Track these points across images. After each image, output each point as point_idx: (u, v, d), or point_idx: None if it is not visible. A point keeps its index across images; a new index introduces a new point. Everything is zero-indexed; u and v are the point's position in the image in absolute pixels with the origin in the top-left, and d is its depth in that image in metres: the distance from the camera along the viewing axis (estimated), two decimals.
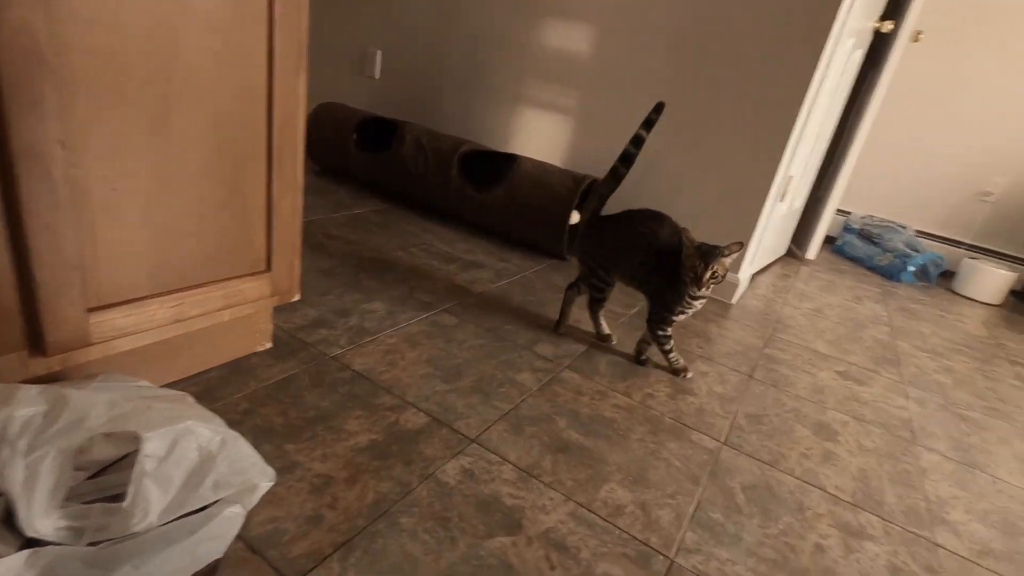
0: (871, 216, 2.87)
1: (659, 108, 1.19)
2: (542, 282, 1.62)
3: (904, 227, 2.73)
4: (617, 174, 1.24)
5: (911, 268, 2.50)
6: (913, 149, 2.84)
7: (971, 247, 2.78)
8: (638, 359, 1.26)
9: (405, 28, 2.24)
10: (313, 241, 1.56)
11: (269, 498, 0.71)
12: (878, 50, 2.25)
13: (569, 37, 1.89)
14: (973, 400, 1.44)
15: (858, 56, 2.11)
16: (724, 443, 1.02)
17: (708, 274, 1.07)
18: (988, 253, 2.75)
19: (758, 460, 0.99)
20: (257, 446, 0.77)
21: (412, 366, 1.06)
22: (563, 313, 1.33)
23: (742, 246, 1.08)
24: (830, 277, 2.37)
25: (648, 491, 0.86)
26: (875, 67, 2.27)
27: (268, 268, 0.86)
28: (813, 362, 1.46)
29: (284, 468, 0.76)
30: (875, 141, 2.89)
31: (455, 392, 1.01)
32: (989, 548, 0.89)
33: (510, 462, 0.86)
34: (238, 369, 0.94)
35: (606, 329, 1.33)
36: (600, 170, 1.94)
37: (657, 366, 1.26)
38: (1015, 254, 2.72)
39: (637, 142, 1.21)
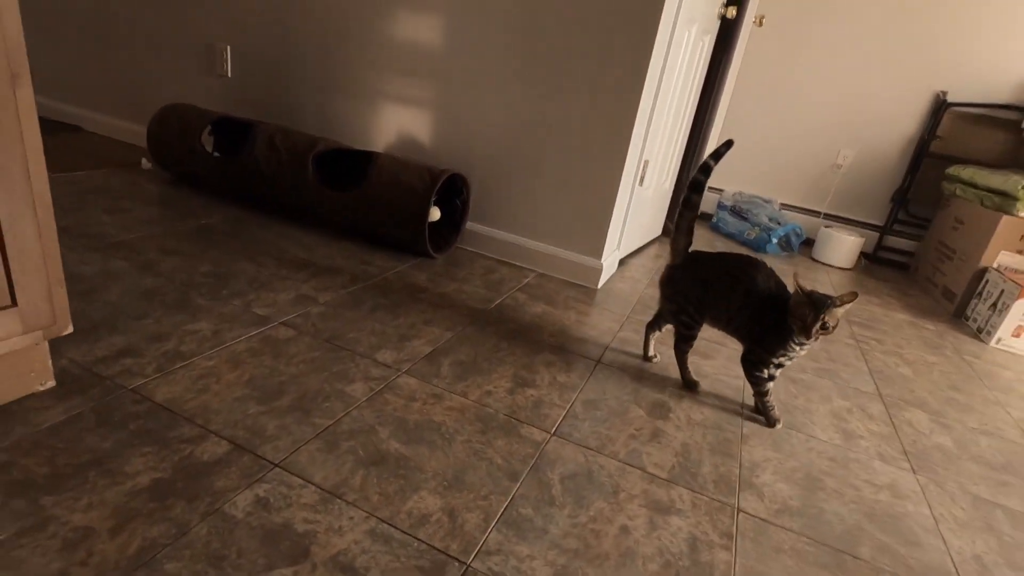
0: (740, 193, 3.05)
1: (728, 144, 1.23)
2: (401, 283, 1.58)
3: (769, 201, 2.92)
4: (691, 203, 1.25)
5: (774, 240, 2.67)
6: (771, 127, 3.03)
7: (827, 216, 3.01)
8: (688, 384, 1.29)
9: (254, 20, 2.11)
10: (142, 259, 1.44)
11: (5, 563, 0.63)
12: (727, 35, 2.36)
13: (418, 28, 1.85)
14: (807, 363, 1.55)
15: (708, 41, 2.21)
16: (553, 434, 1.04)
17: (818, 324, 1.02)
18: (841, 220, 2.99)
19: (584, 447, 1.01)
20: (6, 504, 0.69)
21: (227, 389, 1.00)
22: (646, 346, 1.39)
23: (856, 296, 1.03)
24: None
25: (461, 495, 0.85)
26: (726, 52, 2.38)
27: (13, 302, 0.76)
28: (663, 340, 1.52)
29: (34, 526, 0.68)
30: (738, 122, 3.06)
31: (269, 413, 0.95)
32: (787, 506, 0.96)
33: (314, 484, 0.82)
34: (3, 415, 0.84)
35: (692, 375, 1.30)
36: (460, 163, 1.94)
37: (750, 410, 1.26)
38: (863, 219, 2.98)
39: (705, 171, 1.22)
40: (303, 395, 1.02)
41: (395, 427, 0.98)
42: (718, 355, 1.49)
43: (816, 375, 1.48)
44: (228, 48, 2.18)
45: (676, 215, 1.31)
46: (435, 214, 1.76)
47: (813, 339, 1.04)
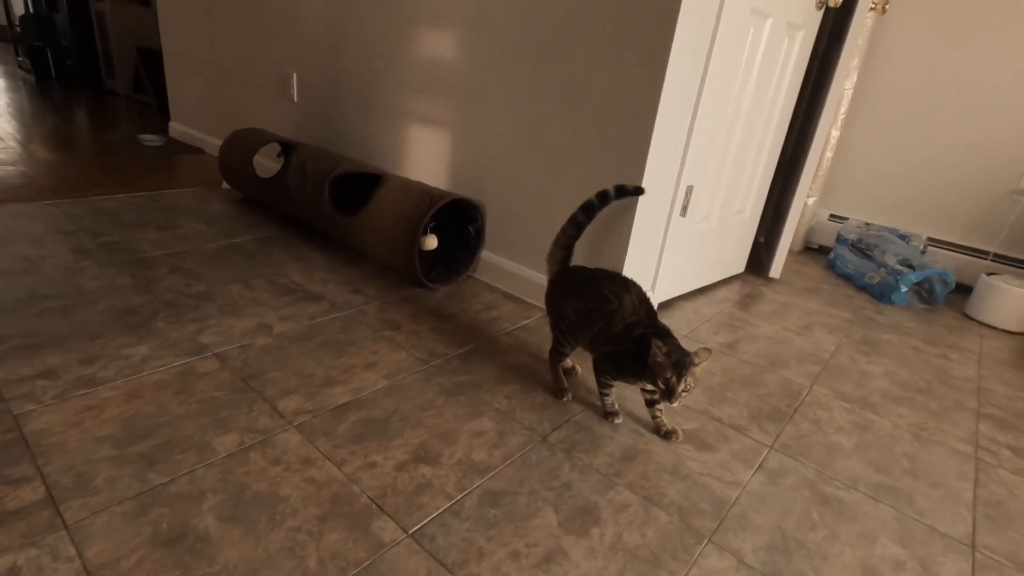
0: (868, 224, 2.43)
1: (638, 190, 1.35)
2: (376, 316, 1.47)
3: (907, 236, 2.28)
4: (575, 221, 1.26)
5: (903, 287, 2.06)
6: (915, 140, 2.37)
7: (998, 258, 2.26)
8: (661, 433, 1.15)
9: (311, 47, 2.19)
10: (148, 276, 1.52)
11: None
12: (837, 29, 1.88)
13: (438, 46, 1.74)
14: (864, 471, 1.11)
15: (801, 38, 1.77)
16: (411, 534, 0.83)
17: (681, 387, 0.99)
18: (1018, 265, 2.22)
19: (438, 561, 0.79)
20: None
21: (99, 426, 0.97)
22: (556, 378, 1.25)
23: (710, 352, 1.00)
24: (790, 299, 2.00)
25: None
26: (837, 48, 1.90)
27: None
28: (633, 399, 1.19)
29: None
30: (863, 133, 2.46)
31: (113, 460, 0.90)
32: None
33: (82, 559, 0.73)
34: None
35: (564, 382, 1.24)
36: (478, 188, 1.77)
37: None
38: None
39: (602, 198, 1.27)
40: (165, 443, 0.95)
41: (228, 497, 0.86)
42: (720, 448, 1.13)
43: (872, 494, 1.05)
44: (295, 74, 2.29)
45: (559, 234, 1.27)
46: (430, 243, 1.62)
47: (678, 402, 1.01)
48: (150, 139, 2.97)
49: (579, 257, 1.32)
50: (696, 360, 0.98)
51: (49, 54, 4.74)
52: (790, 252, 2.60)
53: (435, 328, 1.45)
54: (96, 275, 1.49)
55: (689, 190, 1.58)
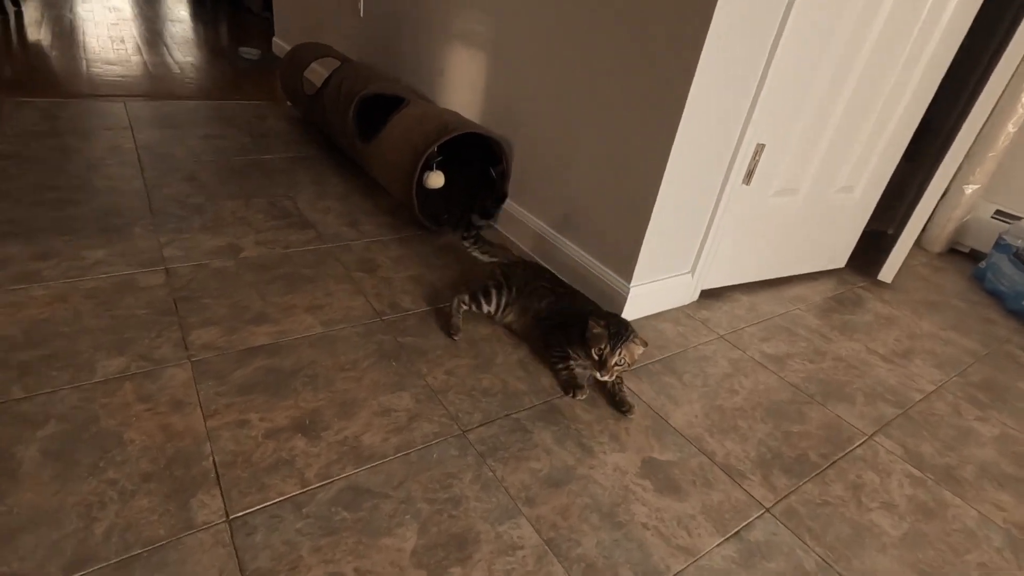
0: None
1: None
2: (354, 256, 1.32)
3: None
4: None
5: None
6: None
7: None
8: (620, 408, 1.00)
9: None
10: (162, 183, 1.50)
11: None
12: None
13: None
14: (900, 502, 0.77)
15: None
16: (229, 521, 0.69)
17: (614, 359, 0.95)
18: None
19: (239, 563, 0.64)
20: None
21: (8, 324, 0.92)
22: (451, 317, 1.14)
23: (646, 345, 0.99)
24: (897, 312, 1.54)
25: None
26: None
27: None
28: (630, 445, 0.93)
29: None
30: None
31: None
32: None
33: None
34: None
35: (459, 321, 1.13)
36: (508, 125, 1.50)
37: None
38: None
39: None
40: (51, 355, 0.88)
41: (69, 428, 0.77)
42: (691, 495, 0.85)
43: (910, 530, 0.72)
44: None
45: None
46: (435, 179, 1.42)
47: (609, 376, 0.97)
48: (247, 52, 3.03)
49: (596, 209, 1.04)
50: (636, 339, 0.97)
51: None
52: (927, 252, 2.03)
53: (414, 278, 1.28)
54: (111, 175, 1.50)
55: (759, 150, 1.20)
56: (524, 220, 1.49)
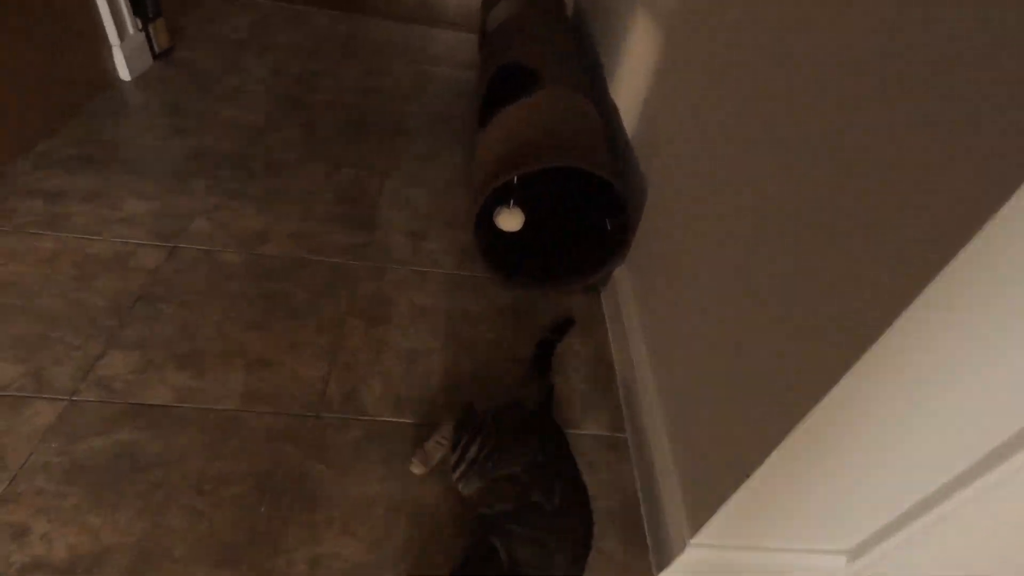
0: None
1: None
2: (369, 292, 1.01)
3: None
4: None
5: None
6: None
7: None
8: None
9: None
10: (277, 121, 1.37)
11: None
12: None
13: None
14: None
15: None
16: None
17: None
18: None
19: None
20: None
21: None
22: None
23: None
24: None
25: None
26: None
27: None
28: None
29: None
30: None
31: None
32: None
33: None
34: None
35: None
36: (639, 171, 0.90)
37: None
38: None
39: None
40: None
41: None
42: None
43: None
44: None
45: None
46: (507, 220, 0.97)
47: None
48: None
49: None
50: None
51: None
52: None
53: (423, 353, 0.92)
54: (244, 106, 1.42)
55: None
56: (632, 294, 0.96)
